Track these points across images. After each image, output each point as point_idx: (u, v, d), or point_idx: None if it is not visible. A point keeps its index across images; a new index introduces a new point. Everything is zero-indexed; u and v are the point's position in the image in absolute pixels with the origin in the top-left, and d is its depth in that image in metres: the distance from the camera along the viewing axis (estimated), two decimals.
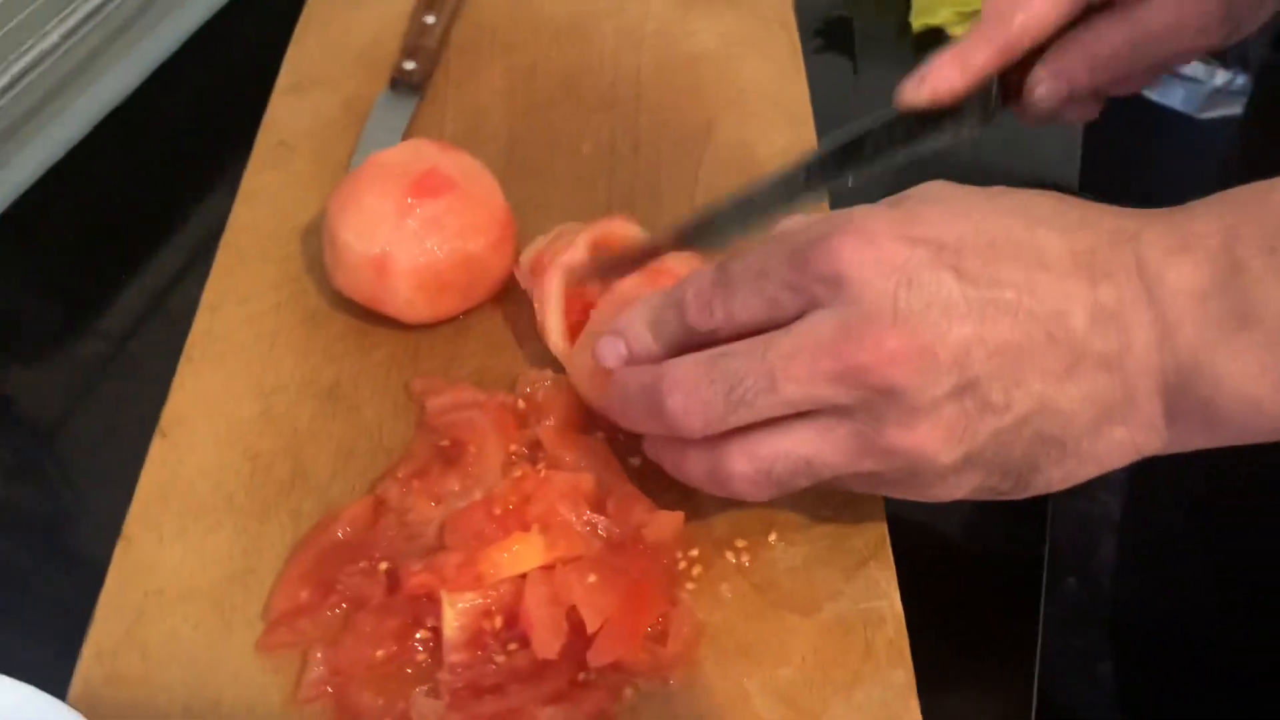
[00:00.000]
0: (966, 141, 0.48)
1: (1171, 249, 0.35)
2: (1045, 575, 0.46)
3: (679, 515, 0.42)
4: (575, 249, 0.49)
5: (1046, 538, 0.47)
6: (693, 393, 0.38)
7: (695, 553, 0.43)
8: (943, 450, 0.36)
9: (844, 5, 0.71)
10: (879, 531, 0.44)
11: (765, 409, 0.37)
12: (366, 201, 0.49)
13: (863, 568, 0.43)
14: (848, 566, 0.43)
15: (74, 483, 0.54)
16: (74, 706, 0.37)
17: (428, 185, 0.49)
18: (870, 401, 0.36)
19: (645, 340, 0.41)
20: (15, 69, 0.56)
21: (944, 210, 0.37)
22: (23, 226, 0.60)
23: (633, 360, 0.42)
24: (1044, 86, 0.48)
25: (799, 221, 0.42)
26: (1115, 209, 0.37)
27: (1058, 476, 0.38)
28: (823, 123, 0.61)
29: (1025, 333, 0.35)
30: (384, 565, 0.42)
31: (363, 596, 0.41)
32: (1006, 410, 0.36)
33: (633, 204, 0.57)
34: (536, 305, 0.49)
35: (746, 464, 0.39)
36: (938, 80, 0.46)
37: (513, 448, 0.45)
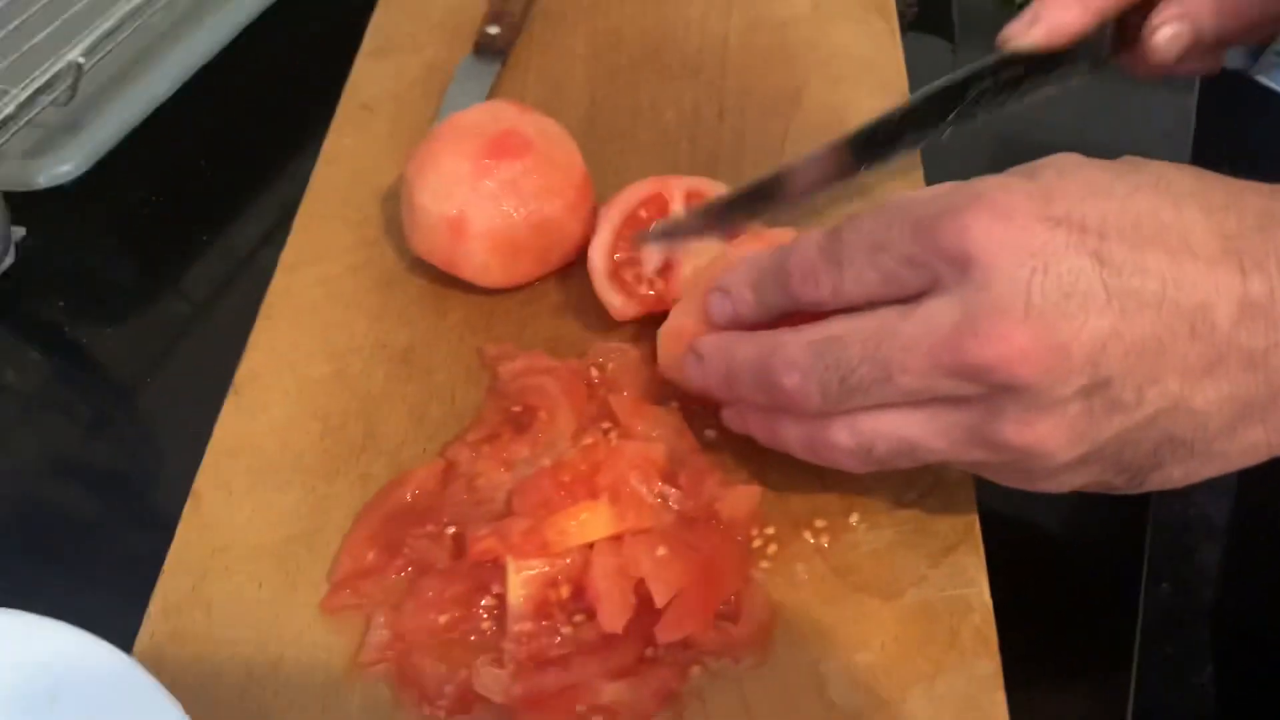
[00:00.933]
0: (1069, 121, 0.44)
1: None
2: (1145, 574, 0.44)
3: (755, 490, 0.40)
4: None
5: (1147, 535, 0.44)
6: (809, 374, 0.36)
7: (771, 531, 0.41)
8: (1062, 449, 0.34)
9: None
10: (968, 518, 0.41)
11: (879, 397, 0.35)
12: (443, 162, 0.48)
13: (950, 554, 0.41)
14: (933, 552, 0.41)
15: (152, 441, 0.54)
16: (139, 660, 0.37)
17: (505, 146, 0.48)
18: (991, 397, 0.33)
19: (750, 304, 0.39)
20: (103, 28, 0.56)
21: (1085, 186, 0.34)
22: (107, 185, 0.61)
23: (735, 321, 0.40)
24: (1168, 29, 0.43)
25: (922, 192, 0.38)
26: (1256, 185, 0.34)
27: (1178, 475, 0.35)
28: None
29: (1167, 327, 0.32)
30: (451, 530, 0.41)
31: (428, 560, 0.40)
32: (1137, 409, 0.33)
33: (715, 171, 0.54)
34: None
35: (848, 438, 0.36)
36: (1054, 19, 0.42)
37: (584, 416, 0.44)
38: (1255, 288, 0.32)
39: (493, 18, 0.63)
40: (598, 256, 0.47)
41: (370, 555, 0.41)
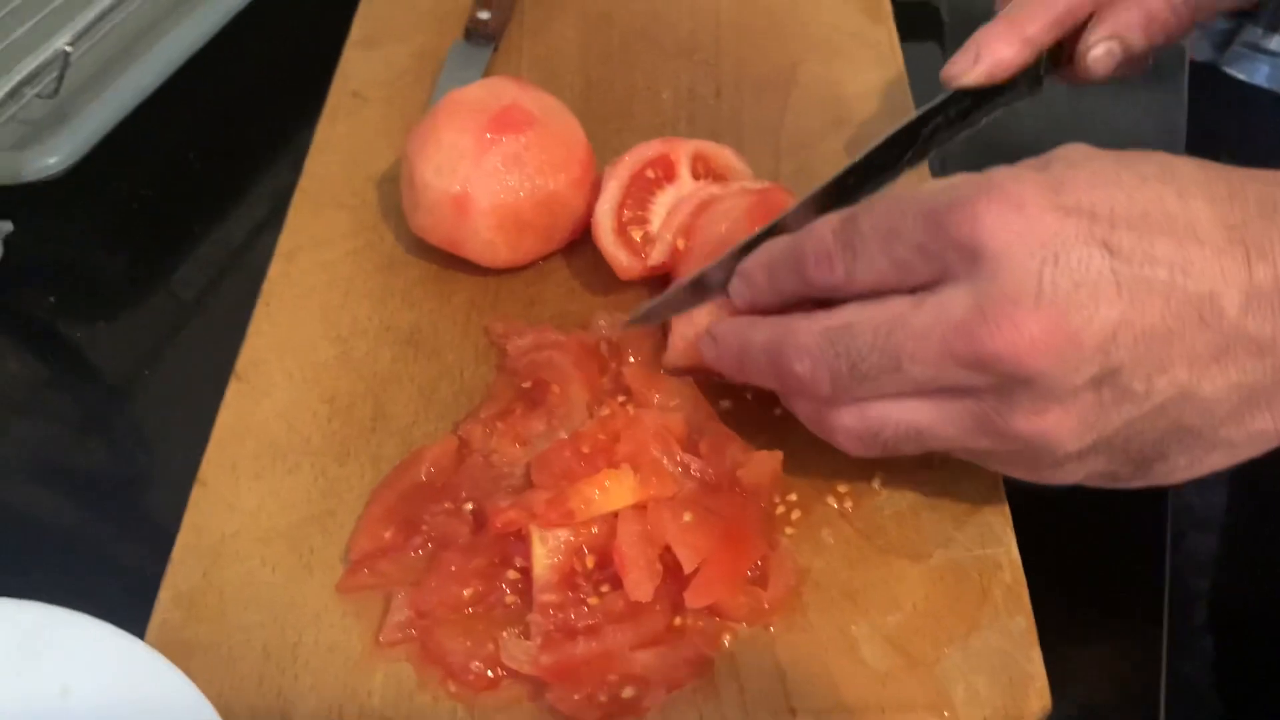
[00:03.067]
0: (1055, 123, 0.45)
1: None
2: (1169, 531, 0.43)
3: (777, 455, 0.40)
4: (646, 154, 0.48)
5: (1168, 495, 0.44)
6: (819, 361, 0.36)
7: (793, 497, 0.41)
8: (1071, 439, 0.34)
9: None
10: (992, 478, 0.41)
11: (889, 386, 0.35)
12: (445, 138, 0.47)
13: (975, 513, 0.40)
14: (959, 513, 0.40)
15: (145, 439, 0.53)
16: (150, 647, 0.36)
17: (508, 121, 0.47)
18: (1001, 386, 0.33)
19: (763, 290, 0.39)
20: (88, 18, 0.55)
21: (1094, 176, 0.34)
22: (94, 178, 0.60)
23: (749, 306, 0.40)
24: (1101, 48, 0.45)
25: (936, 182, 0.38)
26: (1256, 173, 0.34)
27: (1183, 465, 0.35)
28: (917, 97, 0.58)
29: (1176, 315, 0.32)
30: (469, 505, 0.40)
31: (448, 536, 0.39)
32: (1145, 399, 0.33)
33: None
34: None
35: (855, 421, 0.36)
36: (994, 56, 0.43)
37: (597, 389, 0.43)
38: (1261, 275, 0.32)
39: (483, 3, 0.62)
40: (604, 214, 0.47)
41: (388, 533, 0.40)
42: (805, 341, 0.36)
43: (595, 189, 0.49)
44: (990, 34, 0.44)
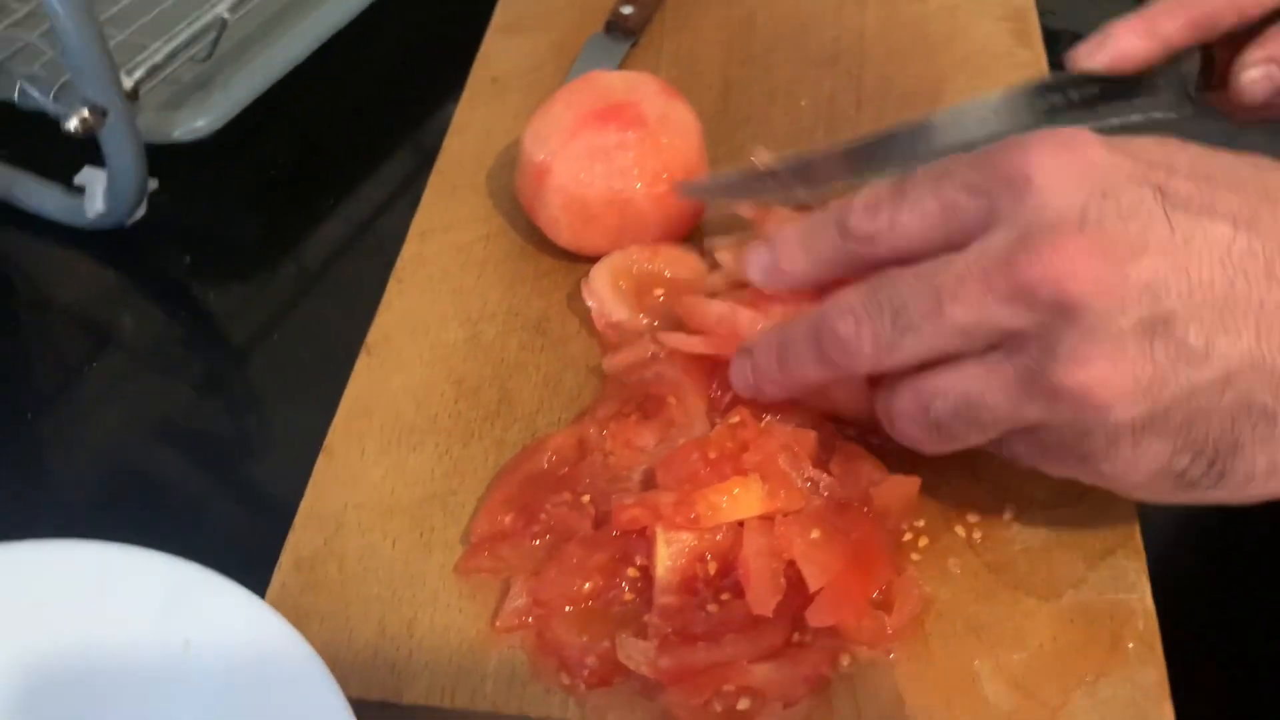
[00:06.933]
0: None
1: None
2: None
3: (915, 480, 0.39)
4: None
5: None
6: (862, 317, 0.34)
7: (921, 523, 0.40)
8: (1121, 399, 0.31)
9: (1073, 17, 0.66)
10: (1127, 521, 0.39)
11: (931, 335, 0.33)
12: (554, 109, 0.48)
13: (1109, 556, 0.39)
14: (1091, 554, 0.39)
15: (262, 403, 0.54)
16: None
17: (614, 115, 0.47)
18: (1044, 326, 0.31)
19: (795, 254, 0.38)
20: None
21: (1160, 143, 0.33)
22: (237, 146, 0.61)
23: (779, 275, 0.39)
24: (1256, 70, 0.42)
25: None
26: None
27: (1263, 465, 0.31)
28: None
29: (1239, 269, 0.30)
30: (586, 498, 0.40)
31: (567, 528, 0.39)
32: (1205, 361, 0.30)
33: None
34: None
35: (911, 400, 0.35)
36: (1119, 46, 0.42)
37: (713, 400, 0.42)
38: None
39: None
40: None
41: (507, 518, 0.40)
42: (848, 300, 0.35)
43: (681, 214, 0.48)
44: (1121, 23, 0.42)
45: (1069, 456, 0.34)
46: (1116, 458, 0.33)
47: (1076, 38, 0.60)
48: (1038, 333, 0.31)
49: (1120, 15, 0.65)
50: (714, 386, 0.42)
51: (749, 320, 0.40)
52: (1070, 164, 0.32)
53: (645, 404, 0.43)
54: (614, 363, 0.44)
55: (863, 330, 0.34)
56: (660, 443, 0.41)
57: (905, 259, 0.35)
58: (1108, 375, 0.31)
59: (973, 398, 0.33)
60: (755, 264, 0.40)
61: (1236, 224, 0.30)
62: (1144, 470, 0.33)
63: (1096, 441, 0.32)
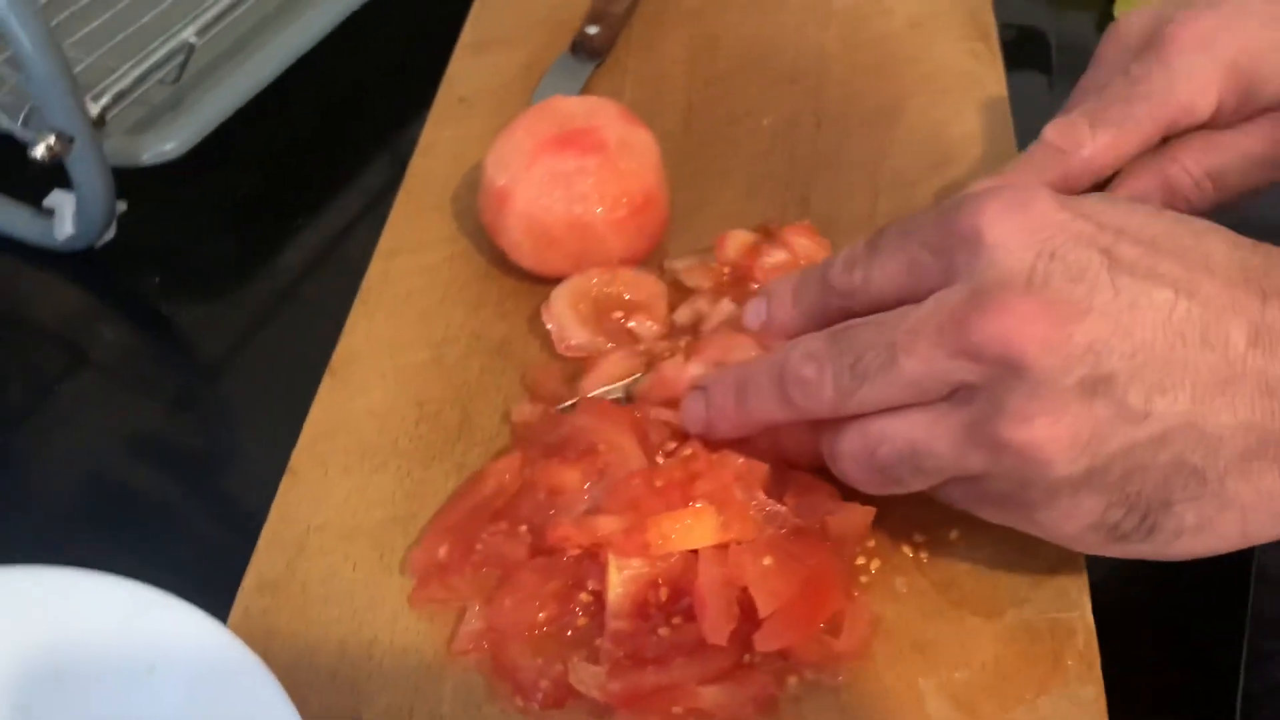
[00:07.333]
0: None
1: None
2: (1251, 595, 0.43)
3: (870, 510, 0.39)
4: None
5: (1253, 556, 0.43)
6: (824, 364, 0.36)
7: (871, 544, 0.41)
8: (1061, 455, 0.32)
9: (1036, 15, 0.67)
10: None
11: (885, 385, 0.34)
12: (515, 134, 0.49)
13: (1052, 576, 0.40)
14: (1036, 573, 0.40)
15: (231, 421, 0.55)
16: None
17: (574, 141, 0.48)
18: (991, 381, 0.32)
19: (787, 305, 0.40)
20: (211, 13, 0.57)
21: (1110, 202, 0.34)
22: (206, 166, 0.62)
23: (771, 324, 0.40)
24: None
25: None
26: None
27: (1191, 522, 0.33)
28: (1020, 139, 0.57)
29: (1177, 333, 0.31)
30: (523, 528, 0.40)
31: (504, 557, 0.39)
32: (1145, 420, 0.31)
33: (815, 177, 0.54)
34: None
35: (857, 440, 0.36)
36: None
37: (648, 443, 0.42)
38: (1274, 316, 0.31)
39: (593, 18, 0.63)
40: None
41: (443, 550, 0.40)
42: (812, 345, 0.36)
43: (649, 237, 0.49)
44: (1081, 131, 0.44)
45: (1007, 504, 0.35)
46: (1053, 509, 0.34)
47: (1032, 36, 0.60)
48: (985, 386, 0.33)
49: (1080, 34, 0.66)
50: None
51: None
52: (1022, 224, 0.33)
53: (565, 450, 0.42)
54: (530, 428, 0.44)
55: (824, 374, 0.36)
56: (594, 483, 0.41)
57: (881, 310, 0.36)
58: (1050, 432, 0.32)
59: (919, 445, 0.35)
60: (752, 314, 0.41)
61: (1178, 290, 0.31)
62: (1079, 522, 0.34)
63: (1035, 493, 0.34)
